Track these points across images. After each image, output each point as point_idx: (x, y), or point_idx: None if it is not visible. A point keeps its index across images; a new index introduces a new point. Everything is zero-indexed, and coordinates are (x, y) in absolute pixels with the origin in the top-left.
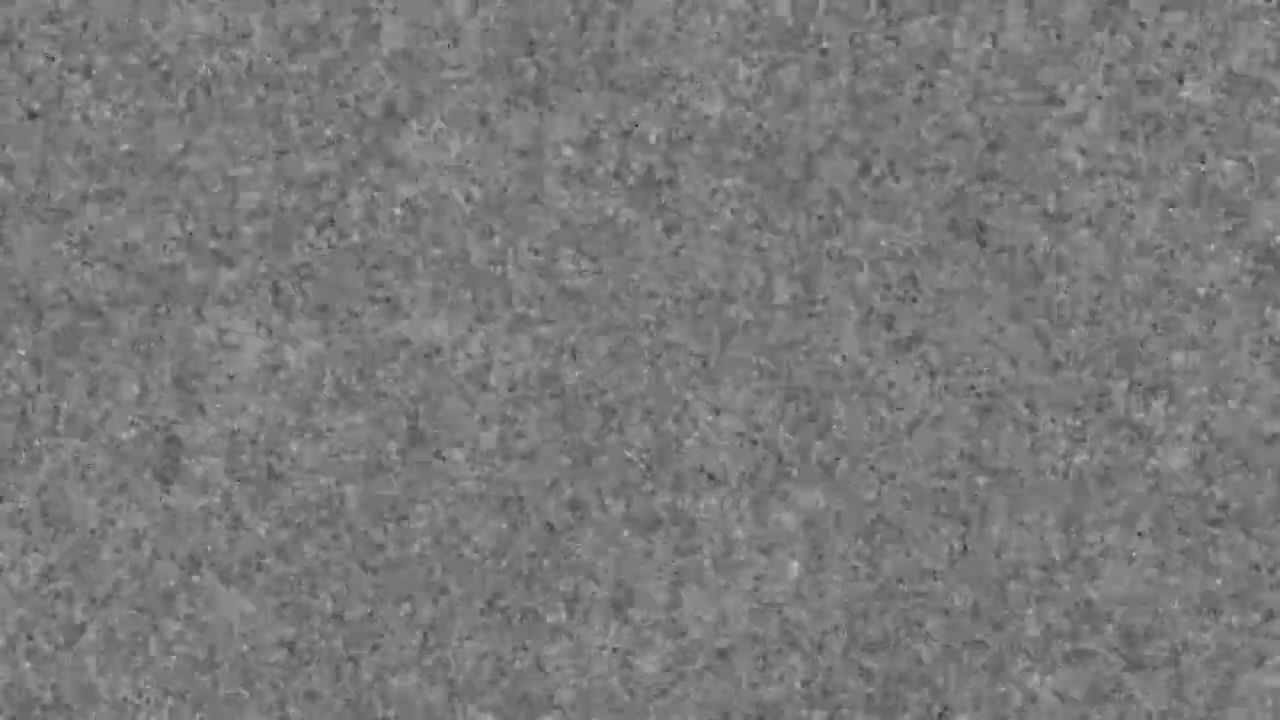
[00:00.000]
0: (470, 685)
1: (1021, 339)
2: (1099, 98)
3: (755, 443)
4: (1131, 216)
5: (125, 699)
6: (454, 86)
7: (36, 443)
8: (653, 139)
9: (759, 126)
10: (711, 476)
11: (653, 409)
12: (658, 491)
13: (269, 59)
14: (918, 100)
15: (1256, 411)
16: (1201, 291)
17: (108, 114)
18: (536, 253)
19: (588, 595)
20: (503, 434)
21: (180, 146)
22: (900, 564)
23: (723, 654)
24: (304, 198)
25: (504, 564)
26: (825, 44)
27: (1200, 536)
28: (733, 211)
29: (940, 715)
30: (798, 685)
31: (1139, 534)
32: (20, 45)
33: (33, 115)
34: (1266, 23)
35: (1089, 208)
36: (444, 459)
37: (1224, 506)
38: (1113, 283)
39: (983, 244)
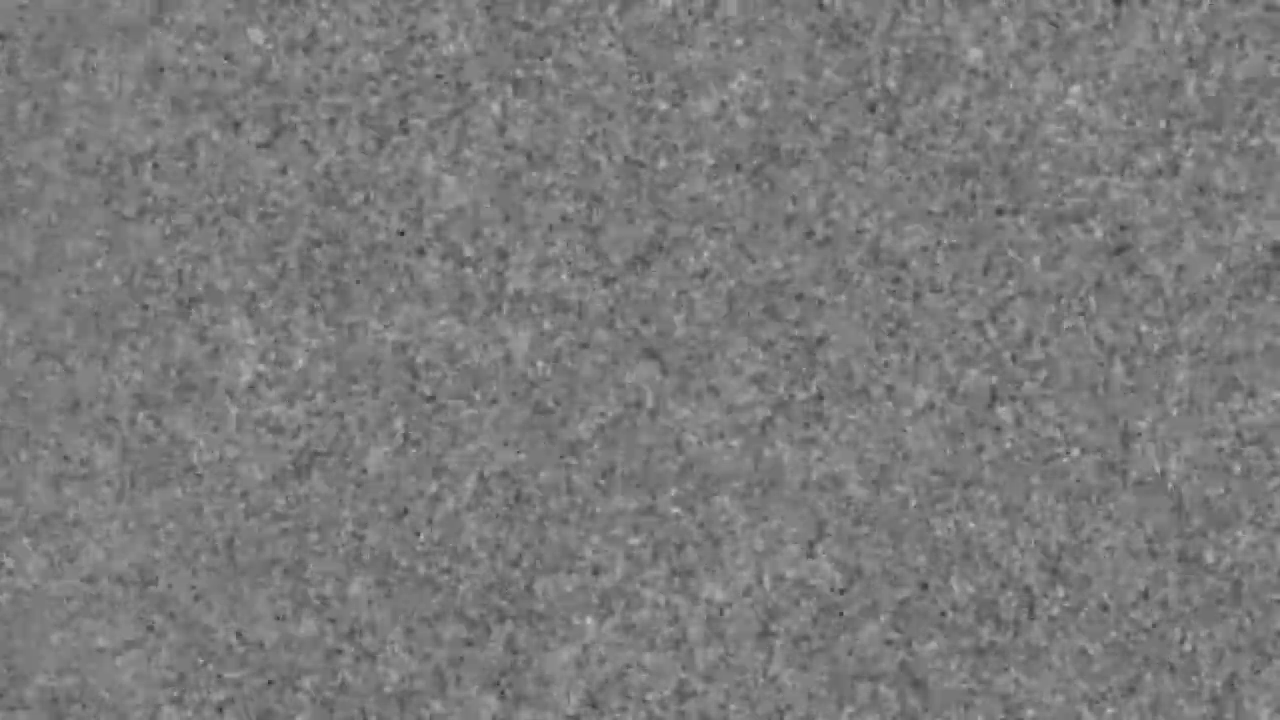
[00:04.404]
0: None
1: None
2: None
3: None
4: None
5: (127, 694)
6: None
7: (36, 441)
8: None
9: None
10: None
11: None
12: (657, 488)
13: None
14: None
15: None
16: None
17: (106, 112)
18: (539, 254)
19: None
20: (500, 430)
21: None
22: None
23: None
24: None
25: (504, 562)
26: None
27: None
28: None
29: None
30: (800, 684)
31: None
32: (17, 43)
33: (31, 113)
34: None
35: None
36: (442, 457)
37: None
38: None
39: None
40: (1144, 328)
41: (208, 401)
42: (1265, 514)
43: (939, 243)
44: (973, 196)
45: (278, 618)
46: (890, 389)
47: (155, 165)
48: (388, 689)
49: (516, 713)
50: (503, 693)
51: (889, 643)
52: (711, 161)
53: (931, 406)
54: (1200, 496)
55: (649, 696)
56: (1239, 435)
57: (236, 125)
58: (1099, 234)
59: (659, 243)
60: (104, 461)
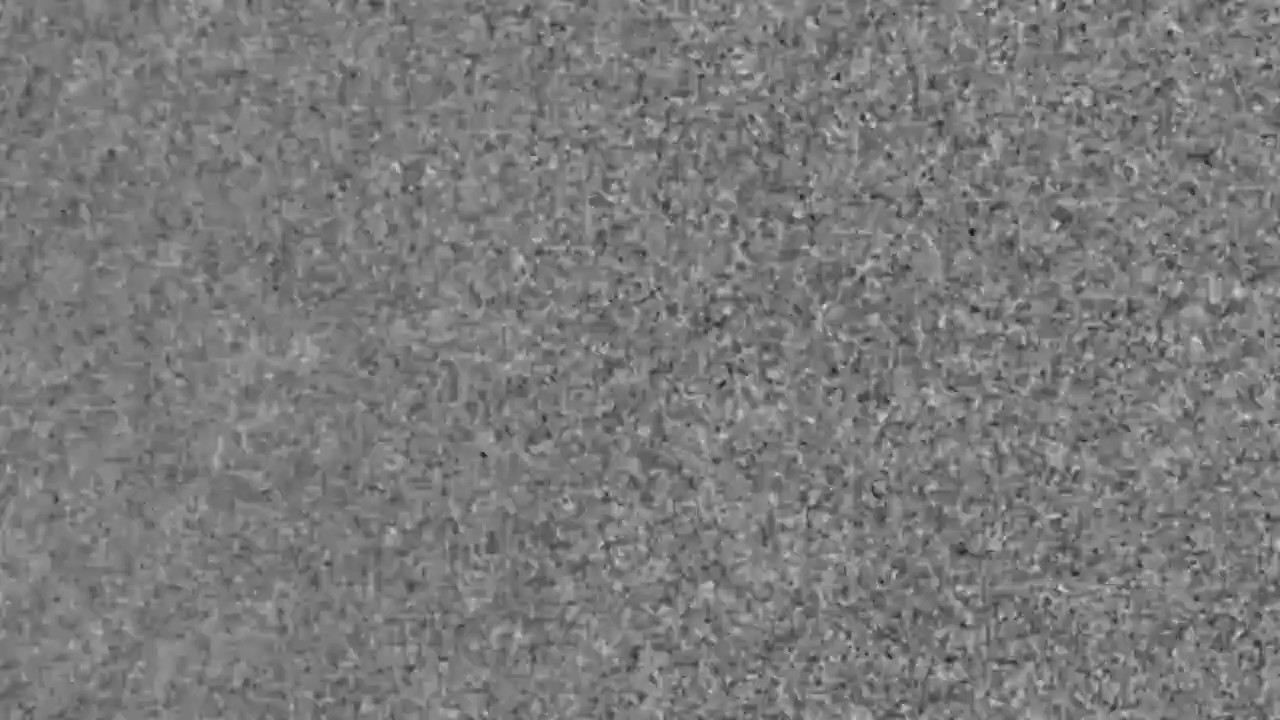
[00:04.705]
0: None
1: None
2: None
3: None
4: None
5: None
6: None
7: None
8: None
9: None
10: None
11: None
12: (657, 491)
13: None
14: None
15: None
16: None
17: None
18: (538, 249)
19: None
20: (503, 431)
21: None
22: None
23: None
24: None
25: (507, 562)
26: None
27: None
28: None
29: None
30: (798, 687)
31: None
32: (20, 42)
33: (30, 112)
34: None
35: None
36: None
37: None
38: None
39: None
40: (1145, 322)
41: (207, 401)
42: (1265, 513)
43: (940, 244)
44: (965, 196)
45: (277, 616)
46: (891, 389)
47: (155, 166)
48: (388, 689)
49: (517, 713)
50: (503, 692)
51: (889, 644)
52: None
53: (932, 409)
54: (1199, 496)
55: (649, 697)
56: (1239, 434)
57: (233, 127)
58: (1099, 233)
59: (661, 242)
60: (104, 461)
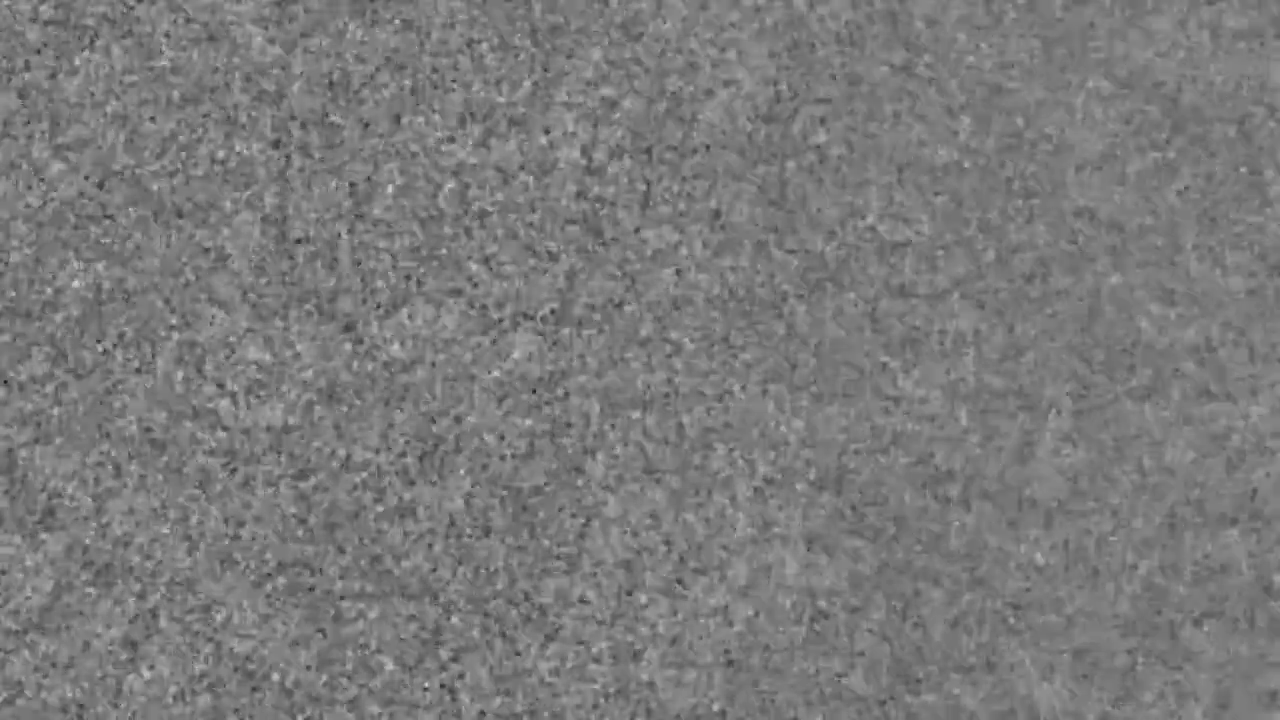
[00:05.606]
0: (469, 684)
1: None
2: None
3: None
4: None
5: (131, 696)
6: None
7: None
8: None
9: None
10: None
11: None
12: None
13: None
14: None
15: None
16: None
17: (104, 111)
18: (540, 250)
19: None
20: (504, 433)
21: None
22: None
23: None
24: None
25: (507, 563)
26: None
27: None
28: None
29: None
30: (797, 685)
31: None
32: (16, 40)
33: (27, 111)
34: None
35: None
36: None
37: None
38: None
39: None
40: (1144, 325)
41: (207, 401)
42: (1261, 513)
43: (940, 243)
44: (969, 195)
45: (275, 617)
46: (890, 389)
47: (152, 167)
48: (387, 690)
49: (517, 713)
50: (503, 693)
51: (889, 643)
52: (713, 162)
53: (926, 402)
54: (1199, 496)
55: (649, 697)
56: (1239, 435)
57: (236, 125)
58: (1099, 233)
59: (659, 243)
60: (103, 462)
